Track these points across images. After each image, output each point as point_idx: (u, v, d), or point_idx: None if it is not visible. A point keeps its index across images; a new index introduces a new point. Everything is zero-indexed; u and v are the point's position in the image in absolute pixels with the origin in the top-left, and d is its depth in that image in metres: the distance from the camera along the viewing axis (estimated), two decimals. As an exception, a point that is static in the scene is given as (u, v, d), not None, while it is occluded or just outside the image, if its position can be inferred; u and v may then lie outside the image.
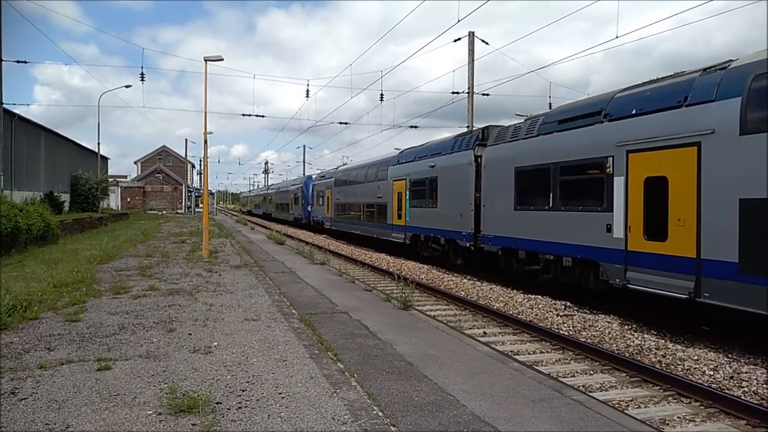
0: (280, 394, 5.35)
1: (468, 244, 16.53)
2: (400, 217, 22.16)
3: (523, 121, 15.01)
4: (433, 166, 19.01)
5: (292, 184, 52.65)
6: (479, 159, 16.11)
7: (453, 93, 26.36)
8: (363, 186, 27.75)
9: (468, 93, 25.16)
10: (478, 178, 16.09)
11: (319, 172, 43.63)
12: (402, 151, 23.70)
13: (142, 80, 29.87)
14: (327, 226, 35.46)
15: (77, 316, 8.64)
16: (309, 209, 42.44)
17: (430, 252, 19.80)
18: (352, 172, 30.79)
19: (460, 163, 17.13)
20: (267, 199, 70.49)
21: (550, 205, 12.74)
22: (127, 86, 40.16)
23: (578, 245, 11.74)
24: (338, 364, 6.47)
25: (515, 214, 14.28)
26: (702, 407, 6.42)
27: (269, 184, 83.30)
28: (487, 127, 16.70)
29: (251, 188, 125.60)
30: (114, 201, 63.97)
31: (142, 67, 33.63)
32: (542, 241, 13.09)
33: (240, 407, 4.99)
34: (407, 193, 21.32)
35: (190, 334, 7.69)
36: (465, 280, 15.94)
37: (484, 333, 10.02)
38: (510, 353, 8.26)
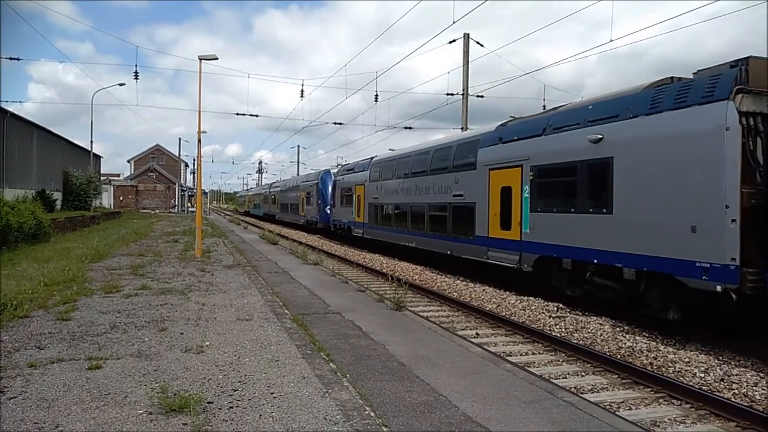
0: (272, 394, 5.33)
1: (717, 288, 8.40)
2: (506, 226, 14.10)
3: None
4: (599, 139, 10.92)
5: (303, 180, 44.16)
6: (750, 119, 8.47)
7: (448, 94, 26.42)
8: (425, 179, 19.46)
9: (463, 95, 25.20)
10: (746, 155, 8.38)
11: (344, 164, 33.57)
12: (505, 123, 15.24)
13: (136, 78, 29.78)
14: (357, 233, 27.35)
15: (68, 315, 8.59)
16: (328, 211, 34.31)
17: (585, 291, 11.79)
18: (403, 162, 22.17)
19: (686, 130, 9.11)
20: (270, 199, 61.61)
21: None
22: (120, 84, 40.18)
23: None
24: (330, 364, 6.47)
25: None
26: (693, 409, 6.45)
27: (272, 182, 72.28)
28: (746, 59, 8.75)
29: (245, 187, 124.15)
30: (106, 200, 63.73)
31: (136, 66, 33.45)
32: None
33: (231, 407, 4.97)
34: (526, 187, 13.26)
35: (182, 334, 7.66)
36: (458, 282, 15.95)
37: (477, 334, 10.03)
38: (502, 354, 8.27)
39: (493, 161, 14.76)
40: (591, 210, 11.21)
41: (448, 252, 17.20)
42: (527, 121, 14.13)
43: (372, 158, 26.68)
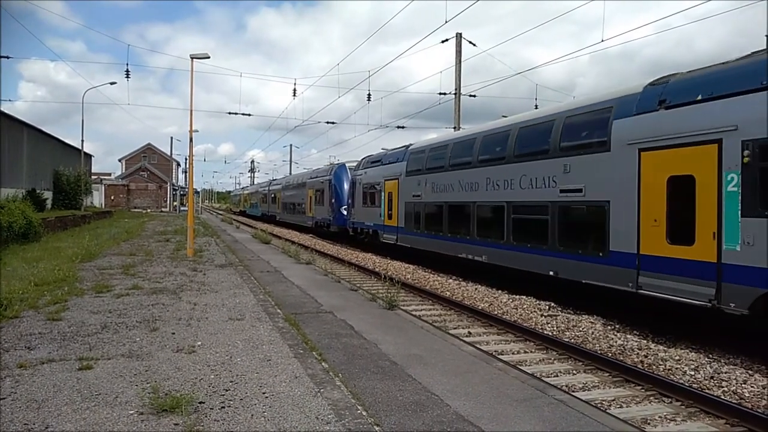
0: (263, 393, 5.32)
1: None
2: (684, 239, 9.11)
3: None
4: None
5: (311, 176, 38.34)
6: None
7: (440, 94, 26.47)
8: (502, 169, 14.26)
9: (455, 94, 25.24)
10: None
11: (366, 156, 27.23)
12: (665, 79, 10.19)
13: (127, 77, 29.66)
14: (388, 239, 22.24)
15: (59, 315, 8.53)
16: (344, 212, 29.28)
17: None
18: (462, 146, 16.93)
19: None
20: (270, 198, 55.74)
21: None
22: (112, 83, 39.96)
23: None
24: (323, 363, 6.46)
25: None
26: (683, 407, 6.50)
27: (272, 179, 67.43)
28: None
29: (237, 186, 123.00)
30: (98, 199, 63.36)
31: (127, 64, 33.06)
32: None
33: (223, 407, 4.96)
34: (732, 176, 8.38)
35: (174, 334, 7.63)
36: (450, 280, 15.98)
37: (469, 333, 10.05)
38: (494, 353, 8.29)
39: (648, 137, 9.75)
40: None
41: (551, 272, 12.19)
42: (728, 69, 8.98)
43: (407, 147, 21.54)
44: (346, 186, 29.63)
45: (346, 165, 31.31)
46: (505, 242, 13.99)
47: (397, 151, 22.77)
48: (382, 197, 22.84)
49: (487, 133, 15.60)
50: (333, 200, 30.91)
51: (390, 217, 22.01)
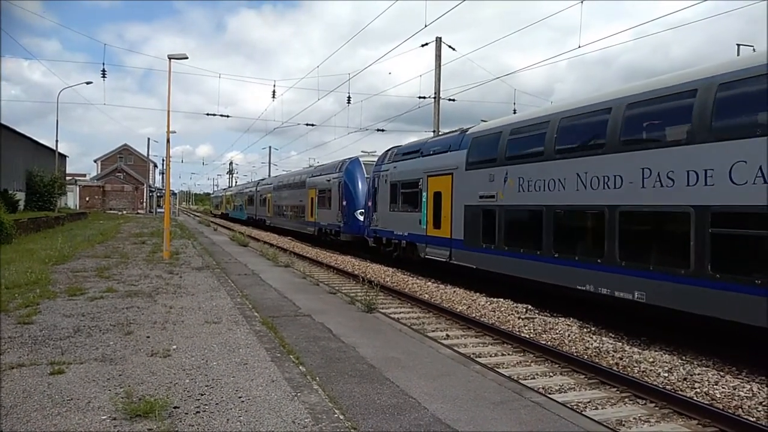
0: (240, 398, 5.27)
1: None
2: None
3: None
4: None
5: (314, 174, 32.26)
6: None
7: (420, 98, 26.56)
8: (687, 153, 8.72)
9: (435, 98, 25.35)
10: None
11: (392, 148, 21.42)
12: None
13: (104, 77, 29.48)
14: (437, 256, 16.49)
15: (30, 318, 8.36)
16: (359, 216, 23.82)
17: None
18: (579, 123, 11.51)
19: None
20: (259, 199, 49.04)
21: None
22: (87, 83, 39.42)
23: None
24: (300, 367, 6.42)
25: None
26: (657, 408, 6.59)
27: (260, 178, 59.82)
28: None
29: (214, 188, 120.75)
30: (72, 200, 62.24)
31: (103, 64, 32.73)
32: None
33: (198, 411, 4.89)
34: None
35: (149, 337, 7.52)
36: (429, 283, 16.01)
37: (447, 336, 10.08)
38: (472, 356, 8.32)
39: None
40: None
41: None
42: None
43: (464, 132, 15.93)
44: (360, 185, 24.61)
45: (360, 159, 25.86)
46: (692, 273, 8.54)
47: (447, 137, 17.26)
48: (424, 198, 17.29)
49: (637, 97, 9.99)
50: (344, 203, 25.36)
51: (437, 225, 16.44)
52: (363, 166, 25.10)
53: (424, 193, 17.29)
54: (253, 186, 54.40)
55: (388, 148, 21.78)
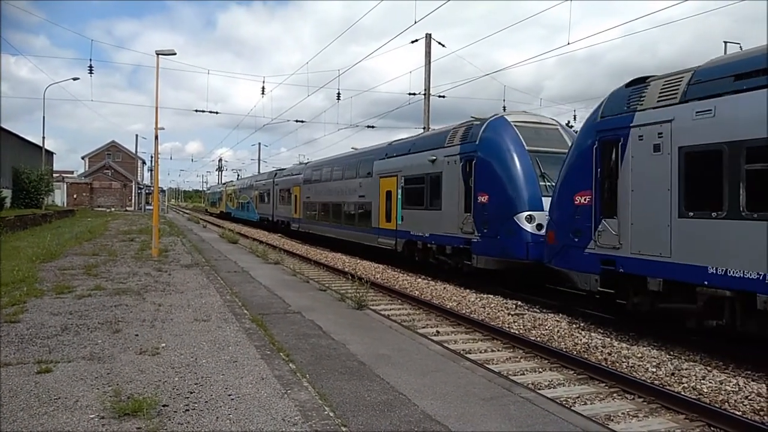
0: (229, 395, 5.25)
1: None
2: None
3: None
4: None
5: (391, 152, 20.11)
6: None
7: (410, 94, 26.55)
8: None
9: (425, 94, 25.35)
10: None
11: (639, 83, 9.47)
12: None
13: (91, 73, 28.97)
14: None
15: (17, 317, 8.27)
16: (524, 223, 12.72)
17: None
18: None
19: None
20: (276, 195, 37.73)
21: None
22: (74, 79, 38.96)
23: None
24: (290, 364, 6.41)
25: None
26: (645, 403, 6.64)
27: (277, 168, 45.77)
28: None
29: (204, 183, 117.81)
30: (59, 197, 61.65)
31: (90, 60, 32.41)
32: None
33: (187, 410, 4.87)
34: None
35: (137, 335, 7.47)
36: (419, 280, 16.04)
37: (437, 332, 10.10)
38: (462, 352, 8.35)
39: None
40: None
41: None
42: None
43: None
44: (519, 165, 13.35)
45: (509, 119, 14.40)
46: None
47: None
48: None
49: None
50: (481, 198, 14.02)
51: None
52: (518, 130, 14.03)
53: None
54: (267, 177, 42.14)
55: (628, 81, 9.93)
